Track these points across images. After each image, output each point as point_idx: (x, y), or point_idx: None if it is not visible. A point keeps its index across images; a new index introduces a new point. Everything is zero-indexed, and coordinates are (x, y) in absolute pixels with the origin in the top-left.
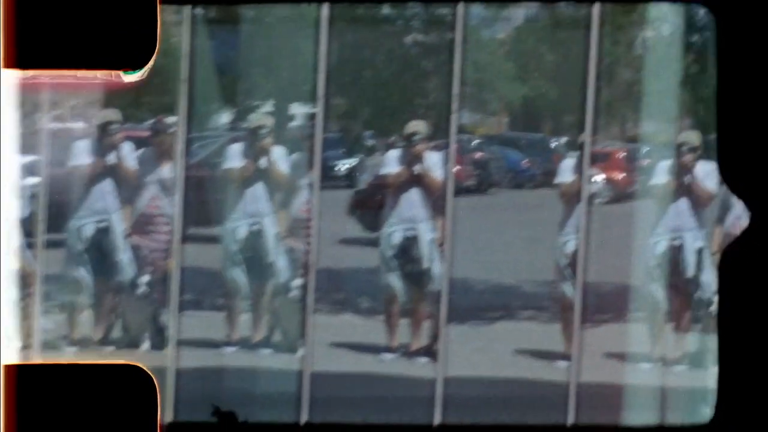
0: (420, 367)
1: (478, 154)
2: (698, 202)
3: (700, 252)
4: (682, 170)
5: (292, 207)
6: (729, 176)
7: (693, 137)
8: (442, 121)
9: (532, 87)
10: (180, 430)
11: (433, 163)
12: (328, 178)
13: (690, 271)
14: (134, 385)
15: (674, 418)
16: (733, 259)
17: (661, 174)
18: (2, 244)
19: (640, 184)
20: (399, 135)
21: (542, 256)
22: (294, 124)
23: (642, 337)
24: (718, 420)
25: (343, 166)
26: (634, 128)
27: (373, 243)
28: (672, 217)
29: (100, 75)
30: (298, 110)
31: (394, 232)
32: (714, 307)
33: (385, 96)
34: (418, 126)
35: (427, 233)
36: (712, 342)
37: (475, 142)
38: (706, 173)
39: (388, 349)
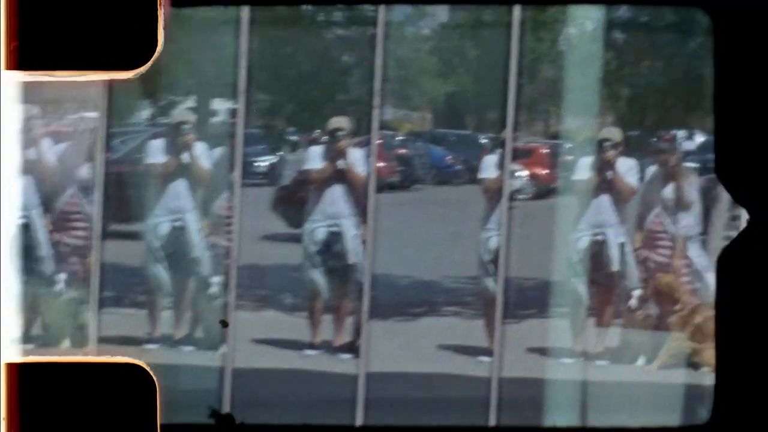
0: (343, 364)
1: (402, 150)
2: (620, 197)
3: (622, 247)
4: (603, 166)
5: (215, 203)
6: (728, 179)
7: (614, 133)
8: (365, 117)
9: (455, 83)
10: (177, 431)
11: (357, 159)
12: (251, 174)
13: (612, 267)
14: (133, 384)
15: (595, 413)
16: (733, 260)
17: (584, 170)
18: (2, 243)
19: (562, 180)
20: (322, 131)
21: (465, 251)
22: (216, 119)
23: (564, 332)
24: (718, 421)
25: (266, 162)
26: (556, 124)
27: (297, 239)
28: (594, 212)
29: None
30: (221, 106)
31: (317, 228)
32: (635, 302)
33: (307, 92)
34: (340, 122)
35: (350, 229)
36: (634, 337)
37: (399, 138)
38: (628, 169)
39: (311, 346)
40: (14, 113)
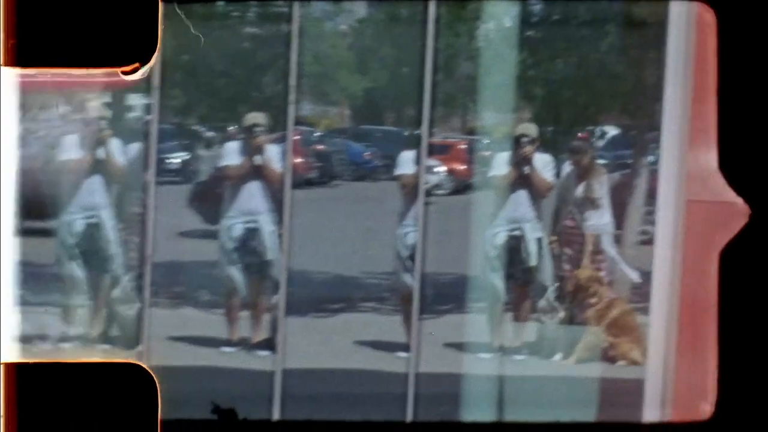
0: (260, 360)
1: (320, 146)
2: (537, 193)
3: (539, 242)
4: (520, 162)
5: (130, 199)
6: (730, 175)
7: (531, 129)
8: (282, 114)
9: (373, 79)
10: (178, 427)
11: (274, 155)
12: (165, 171)
13: (529, 261)
14: (132, 384)
15: (512, 408)
16: (735, 258)
17: (501, 165)
18: (2, 243)
19: (479, 176)
20: (239, 127)
21: (383, 247)
22: (131, 115)
23: (481, 327)
24: (720, 419)
25: (181, 158)
26: (474, 120)
27: (213, 236)
28: (511, 208)
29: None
30: (136, 102)
31: (234, 225)
32: (552, 296)
33: (223, 88)
34: (257, 118)
35: (267, 225)
36: (551, 331)
37: (318, 134)
38: (544, 165)
39: (229, 343)
40: None
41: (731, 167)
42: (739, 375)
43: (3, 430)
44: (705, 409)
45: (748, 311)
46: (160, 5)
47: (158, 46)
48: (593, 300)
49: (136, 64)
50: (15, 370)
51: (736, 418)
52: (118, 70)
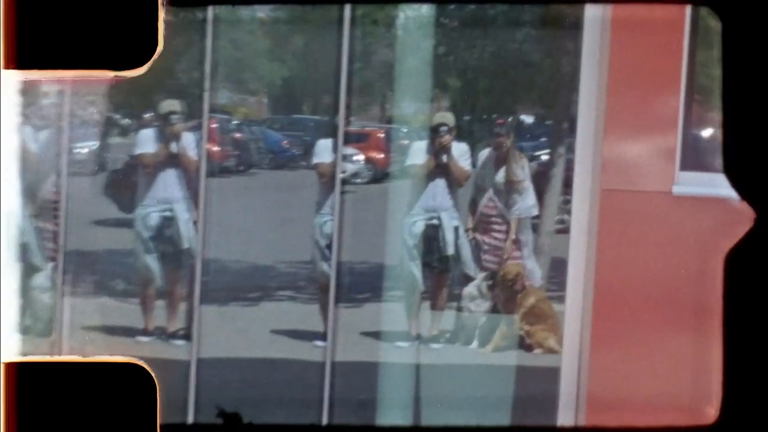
0: (176, 350)
1: (238, 135)
2: (454, 181)
3: (456, 231)
4: (438, 151)
5: (43, 187)
6: (734, 176)
7: (448, 118)
8: (198, 102)
9: (291, 68)
10: (181, 430)
11: (190, 143)
12: (79, 159)
13: (447, 250)
14: (133, 384)
15: (429, 396)
16: (740, 260)
17: (418, 154)
18: (2, 243)
19: (397, 165)
20: (155, 114)
21: (300, 236)
22: (46, 102)
23: (399, 315)
24: (725, 421)
25: (94, 146)
26: (392, 109)
27: (129, 224)
28: (429, 196)
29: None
30: (50, 89)
31: (149, 213)
32: (482, 285)
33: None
34: (173, 105)
35: (184, 213)
36: (468, 320)
37: (235, 122)
38: (461, 153)
39: (145, 332)
40: None
41: (735, 170)
42: (746, 374)
43: (3, 430)
44: (710, 413)
45: (752, 313)
46: (160, 5)
47: (158, 45)
48: (517, 288)
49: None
50: (15, 369)
51: (740, 422)
52: (116, 71)
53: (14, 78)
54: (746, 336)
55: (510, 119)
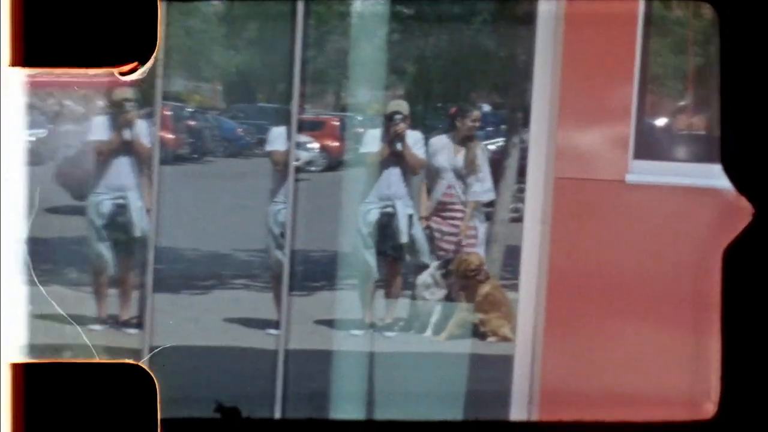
0: (129, 338)
1: (192, 122)
2: (409, 169)
3: (410, 219)
4: (393, 139)
5: None
6: (733, 174)
7: (403, 106)
8: (152, 89)
9: (245, 55)
10: (180, 426)
11: (143, 130)
12: (32, 148)
13: (401, 238)
14: (133, 384)
15: (383, 384)
16: (738, 257)
17: (373, 142)
18: (2, 243)
19: (352, 153)
20: (108, 102)
21: (254, 224)
22: None
23: (353, 304)
24: (722, 418)
25: (46, 133)
26: (346, 97)
27: (81, 212)
28: (383, 185)
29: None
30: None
31: (102, 201)
32: (437, 273)
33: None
34: (126, 92)
35: (136, 201)
36: (423, 308)
37: (189, 110)
38: (416, 141)
39: (97, 320)
40: None
41: (734, 165)
42: (743, 371)
43: (10, 430)
44: (708, 408)
45: (754, 306)
46: (160, 5)
47: (158, 45)
48: (480, 278)
49: (135, 64)
50: (22, 370)
51: (739, 418)
52: (116, 69)
53: (16, 75)
54: (733, 329)
55: (462, 107)
